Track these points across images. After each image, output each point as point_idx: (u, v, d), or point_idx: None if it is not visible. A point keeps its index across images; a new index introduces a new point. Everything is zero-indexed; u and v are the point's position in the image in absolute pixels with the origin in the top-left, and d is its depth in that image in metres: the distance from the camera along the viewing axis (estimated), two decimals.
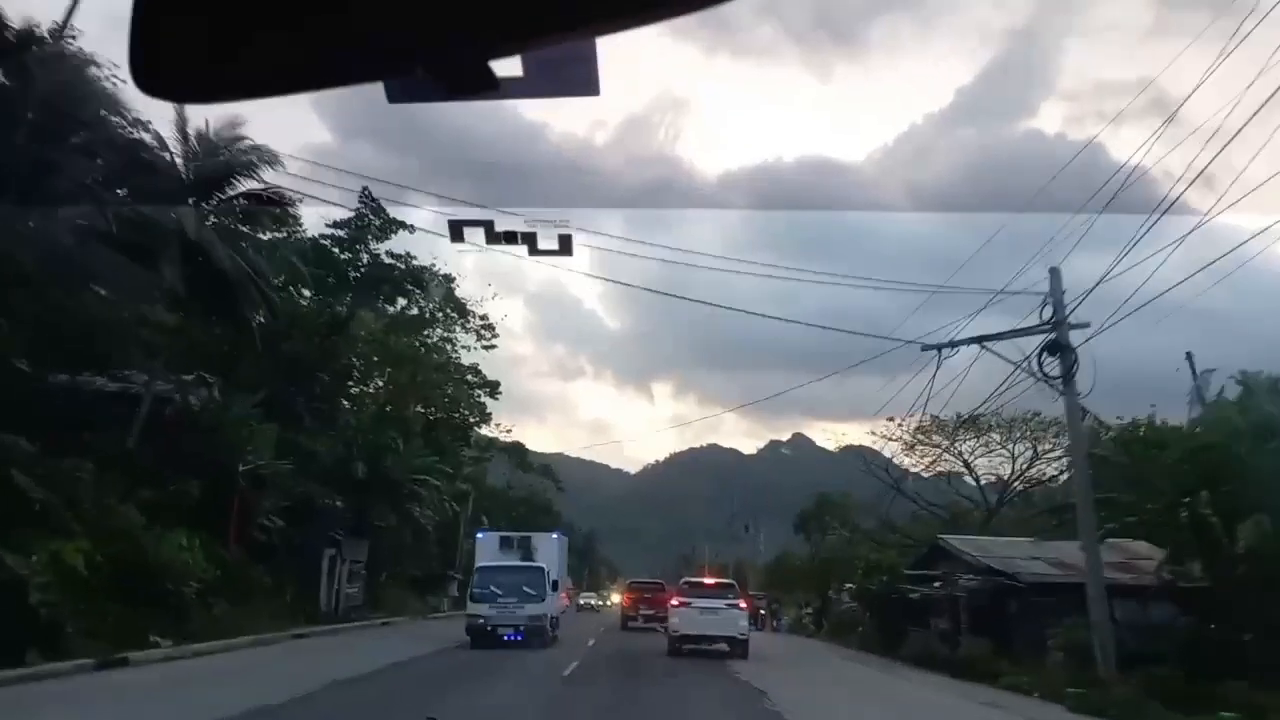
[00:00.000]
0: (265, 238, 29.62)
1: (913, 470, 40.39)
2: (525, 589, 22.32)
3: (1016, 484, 37.73)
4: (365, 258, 42.96)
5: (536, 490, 74.95)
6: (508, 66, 0.84)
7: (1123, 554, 20.86)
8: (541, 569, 23.44)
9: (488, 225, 8.22)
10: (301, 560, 26.99)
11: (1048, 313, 14.40)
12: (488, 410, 55.59)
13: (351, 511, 31.97)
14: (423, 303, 47.04)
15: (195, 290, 23.65)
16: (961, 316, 32.67)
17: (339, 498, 30.47)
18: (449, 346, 49.36)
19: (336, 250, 42.02)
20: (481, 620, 22.08)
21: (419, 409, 47.72)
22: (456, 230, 8.47)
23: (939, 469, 38.44)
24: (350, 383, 41.74)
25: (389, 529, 36.34)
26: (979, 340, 15.49)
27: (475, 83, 0.82)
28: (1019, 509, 35.95)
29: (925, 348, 16.01)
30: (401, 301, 45.76)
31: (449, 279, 46.87)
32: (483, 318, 49.56)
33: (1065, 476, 36.54)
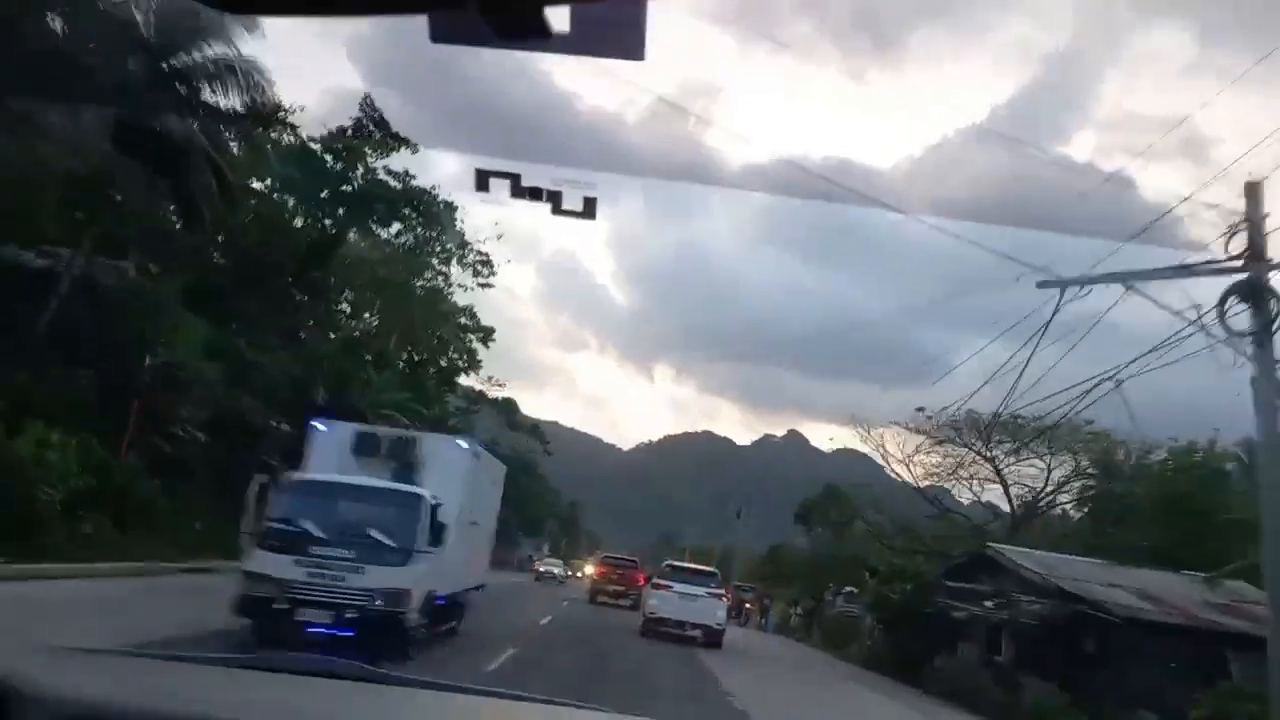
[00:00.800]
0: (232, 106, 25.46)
1: (900, 478, 37.20)
2: (371, 535, 10.63)
3: (1043, 498, 33.45)
4: (360, 170, 38.59)
5: (521, 450, 71.21)
6: (556, 19, 0.82)
7: (1227, 595, 16.56)
8: (419, 498, 11.34)
9: (514, 178, 7.12)
10: (224, 485, 22.76)
11: (1237, 244, 10.06)
12: (479, 358, 51.80)
13: (301, 439, 27.40)
14: (421, 230, 43.23)
15: (131, 151, 20.22)
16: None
17: (286, 420, 26.10)
18: (443, 281, 45.21)
19: (328, 158, 37.71)
20: (267, 589, 10.17)
21: (405, 348, 43.92)
22: (482, 179, 7.19)
23: (948, 477, 33.87)
24: (337, 308, 38.06)
25: None
26: (1123, 279, 11.04)
27: (526, 27, 0.81)
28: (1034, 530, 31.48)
29: (1043, 284, 11.63)
30: (396, 226, 41.50)
31: (452, 206, 42.83)
32: (481, 253, 45.14)
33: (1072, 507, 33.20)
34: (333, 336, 34.27)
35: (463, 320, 49.38)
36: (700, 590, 20.44)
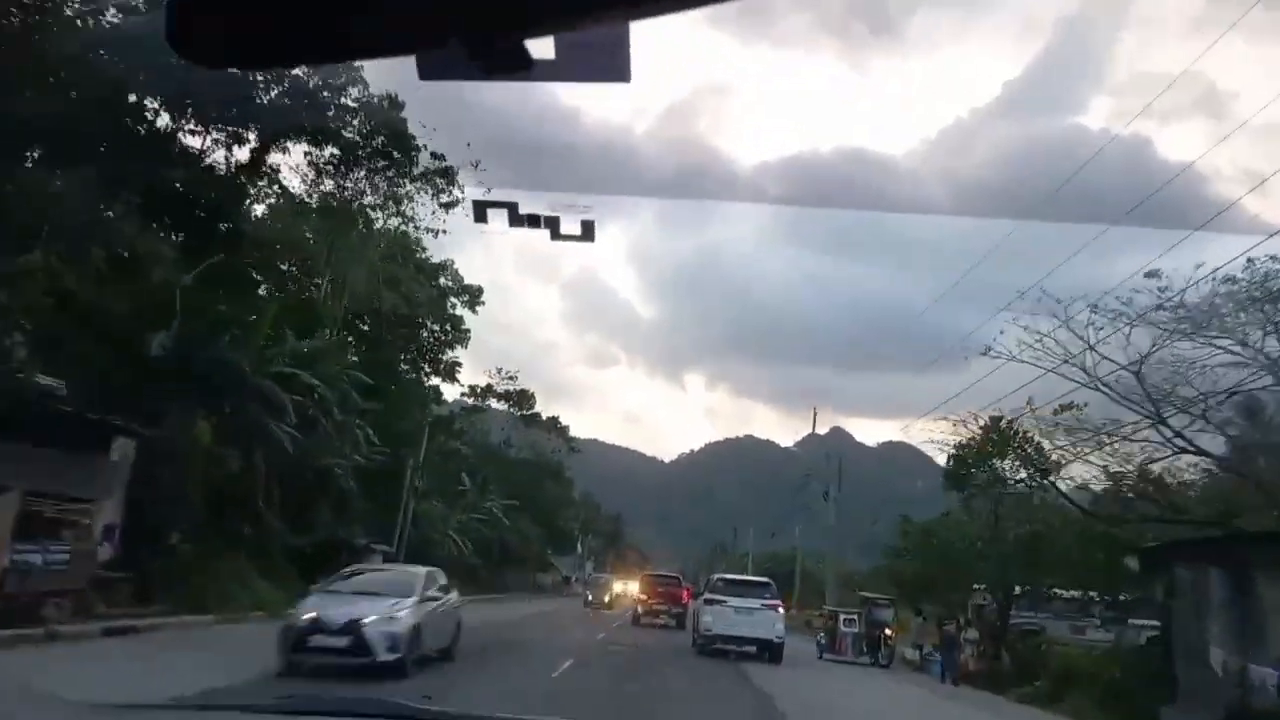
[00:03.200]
0: None
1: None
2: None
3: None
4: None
5: (542, 450, 62.22)
6: (541, 49, 0.84)
7: None
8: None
9: (511, 207, 8.61)
10: None
11: None
12: (465, 327, 42.58)
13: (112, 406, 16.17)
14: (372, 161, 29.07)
15: None
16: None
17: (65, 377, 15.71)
18: (411, 228, 32.18)
19: None
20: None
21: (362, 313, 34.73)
22: (480, 211, 8.88)
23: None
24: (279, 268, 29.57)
25: (210, 454, 19.56)
26: None
27: (509, 62, 0.83)
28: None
29: None
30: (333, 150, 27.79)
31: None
32: (442, 172, 29.57)
33: None
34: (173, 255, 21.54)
35: (442, 282, 40.97)
36: (755, 603, 19.61)
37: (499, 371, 56.91)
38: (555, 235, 9.06)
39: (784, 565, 56.41)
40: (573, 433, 70.26)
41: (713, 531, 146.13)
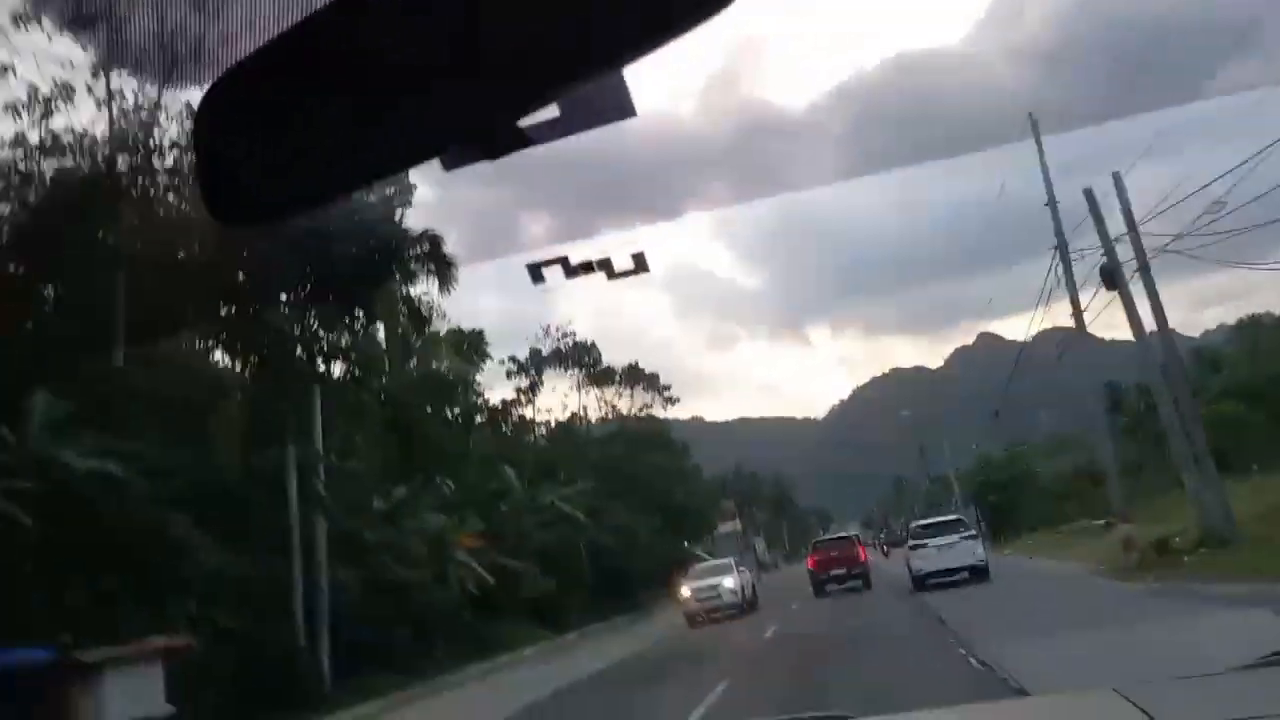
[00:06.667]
0: None
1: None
2: None
3: None
4: None
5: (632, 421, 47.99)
6: (542, 113, 0.87)
7: None
8: None
9: (563, 261, 9.05)
10: None
11: None
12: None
13: None
14: None
15: None
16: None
17: None
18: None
19: None
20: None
21: None
22: (536, 272, 9.36)
23: None
24: None
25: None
26: None
27: (509, 143, 0.88)
28: None
29: None
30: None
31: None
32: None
33: None
34: None
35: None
36: (954, 537, 22.78)
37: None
38: (611, 276, 9.71)
39: (999, 472, 51.61)
40: (716, 418, 64.03)
41: (885, 477, 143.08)
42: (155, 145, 17.81)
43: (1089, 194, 19.21)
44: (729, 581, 24.74)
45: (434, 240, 22.41)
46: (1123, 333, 22.81)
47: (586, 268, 9.41)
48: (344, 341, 21.67)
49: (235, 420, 18.23)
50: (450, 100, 0.85)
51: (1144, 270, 17.64)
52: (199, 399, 17.58)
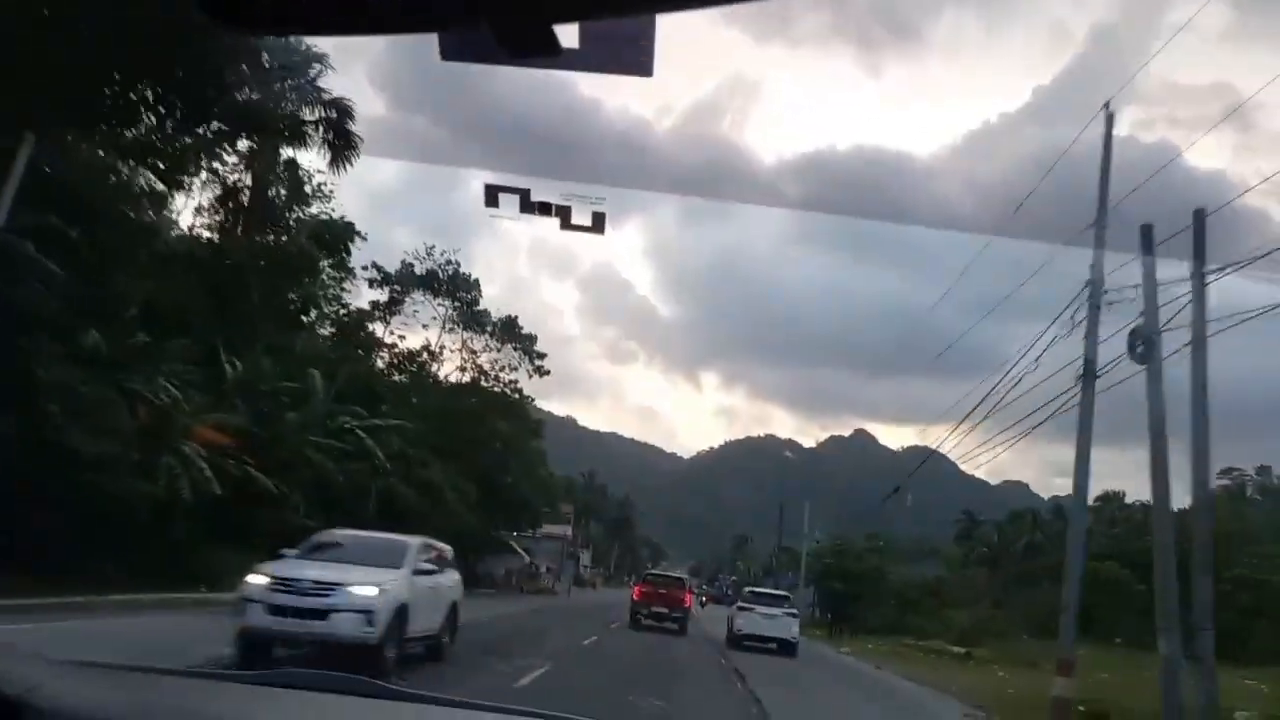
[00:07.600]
0: None
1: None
2: None
3: None
4: None
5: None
6: (566, 36, 0.85)
7: None
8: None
9: (523, 193, 8.25)
10: None
11: None
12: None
13: None
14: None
15: None
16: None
17: None
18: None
19: None
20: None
21: None
22: (491, 195, 8.38)
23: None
24: None
25: None
26: None
27: (536, 44, 0.83)
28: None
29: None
30: None
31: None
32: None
33: None
34: None
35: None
36: (778, 611, 24.85)
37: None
38: (565, 225, 8.86)
39: (852, 561, 48.05)
40: (591, 425, 63.52)
41: (731, 529, 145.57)
42: None
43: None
44: (362, 589, 9.92)
45: (342, 110, 21.41)
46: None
47: (545, 207, 8.62)
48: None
49: None
50: None
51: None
52: None
